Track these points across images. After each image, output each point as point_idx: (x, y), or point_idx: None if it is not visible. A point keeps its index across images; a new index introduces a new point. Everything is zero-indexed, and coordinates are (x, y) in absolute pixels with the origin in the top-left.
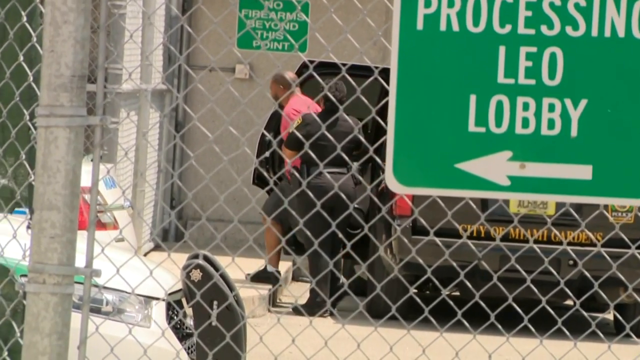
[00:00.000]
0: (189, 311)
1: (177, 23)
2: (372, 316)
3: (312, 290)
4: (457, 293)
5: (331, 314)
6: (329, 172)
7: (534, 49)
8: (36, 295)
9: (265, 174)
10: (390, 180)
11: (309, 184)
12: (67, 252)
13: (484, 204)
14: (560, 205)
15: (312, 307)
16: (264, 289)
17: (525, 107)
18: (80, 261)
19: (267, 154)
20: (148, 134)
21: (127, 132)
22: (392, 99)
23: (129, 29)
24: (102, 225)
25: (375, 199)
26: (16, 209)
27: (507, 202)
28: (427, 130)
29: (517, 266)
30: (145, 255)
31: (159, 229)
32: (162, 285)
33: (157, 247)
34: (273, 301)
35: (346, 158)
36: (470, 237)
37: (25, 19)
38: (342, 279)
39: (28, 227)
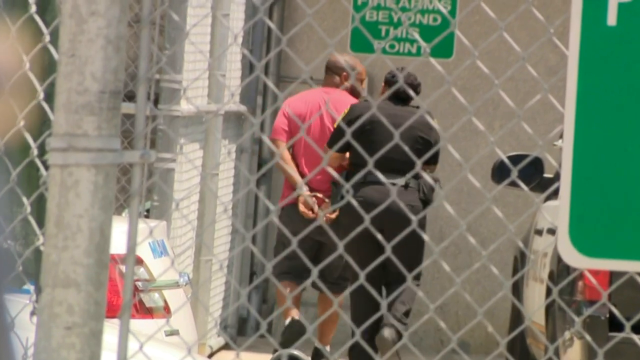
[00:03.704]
0: None
1: (262, 17)
2: None
3: (351, 349)
4: None
5: None
6: (377, 183)
7: None
8: None
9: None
10: (565, 248)
11: (347, 200)
12: (89, 349)
13: None
14: None
15: None
16: None
17: None
18: None
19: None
20: (218, 176)
21: (188, 175)
22: (568, 125)
23: (194, 23)
24: (146, 311)
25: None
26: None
27: None
28: (623, 173)
29: None
30: (210, 355)
31: (232, 317)
32: None
33: (229, 344)
34: None
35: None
36: None
37: (34, 9)
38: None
39: (32, 314)
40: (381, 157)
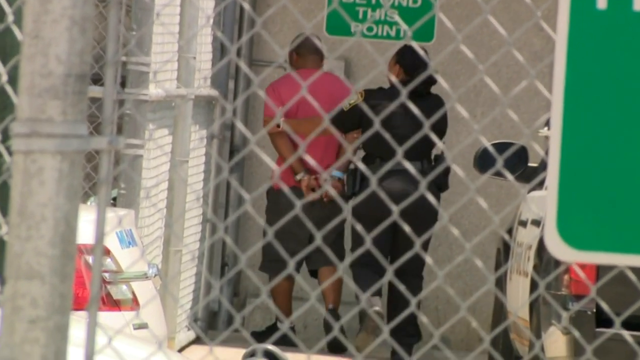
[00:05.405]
0: None
1: None
2: None
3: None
4: None
5: None
6: (395, 172)
7: None
8: None
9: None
10: (552, 241)
11: (358, 192)
12: (54, 344)
13: None
14: None
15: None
16: None
17: None
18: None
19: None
20: (188, 163)
21: (157, 162)
22: (556, 113)
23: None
24: (114, 304)
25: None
26: None
27: None
28: (614, 162)
29: None
30: (181, 350)
31: (202, 311)
32: None
33: (200, 339)
34: None
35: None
36: None
37: None
38: None
39: None
40: (397, 145)
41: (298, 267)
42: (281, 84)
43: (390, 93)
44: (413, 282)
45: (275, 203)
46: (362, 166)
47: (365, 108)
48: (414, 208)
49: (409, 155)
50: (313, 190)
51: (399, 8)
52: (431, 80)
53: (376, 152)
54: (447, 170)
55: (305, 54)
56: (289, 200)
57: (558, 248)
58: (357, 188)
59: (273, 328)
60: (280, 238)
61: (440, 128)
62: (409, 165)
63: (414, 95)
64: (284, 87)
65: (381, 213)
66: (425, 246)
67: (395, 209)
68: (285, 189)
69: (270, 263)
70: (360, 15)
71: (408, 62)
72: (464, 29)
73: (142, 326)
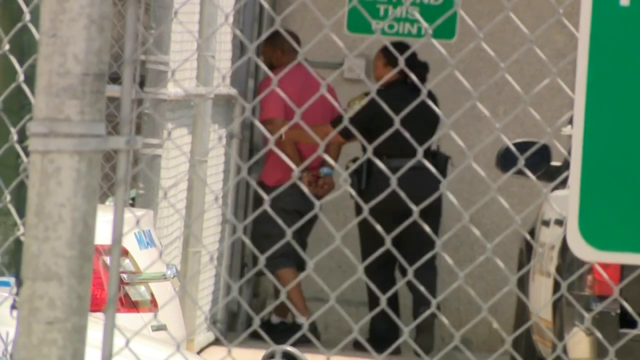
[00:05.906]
0: None
1: None
2: None
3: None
4: None
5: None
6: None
7: None
8: None
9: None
10: (574, 241)
11: (372, 187)
12: (72, 346)
13: None
14: None
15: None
16: None
17: None
18: None
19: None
20: (207, 163)
21: (175, 161)
22: (578, 111)
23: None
24: (132, 305)
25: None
26: None
27: None
28: (636, 160)
29: None
30: (201, 351)
31: (221, 312)
32: None
33: (219, 340)
34: None
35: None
36: None
37: None
38: None
39: (13, 307)
40: (400, 143)
41: (302, 263)
42: (282, 81)
43: (391, 93)
44: (427, 276)
45: (273, 200)
46: (380, 163)
47: (372, 112)
48: (419, 202)
49: (412, 151)
50: (310, 184)
51: (420, 5)
52: (426, 76)
53: (382, 150)
54: (446, 161)
55: (290, 50)
56: (287, 196)
57: (580, 248)
58: (364, 186)
59: (293, 327)
60: (278, 234)
61: (436, 122)
62: (426, 163)
63: (412, 92)
64: (286, 83)
65: (392, 207)
66: (431, 239)
67: (415, 208)
68: (304, 187)
69: (275, 259)
70: (381, 13)
71: (394, 62)
72: (486, 26)
73: (161, 328)
